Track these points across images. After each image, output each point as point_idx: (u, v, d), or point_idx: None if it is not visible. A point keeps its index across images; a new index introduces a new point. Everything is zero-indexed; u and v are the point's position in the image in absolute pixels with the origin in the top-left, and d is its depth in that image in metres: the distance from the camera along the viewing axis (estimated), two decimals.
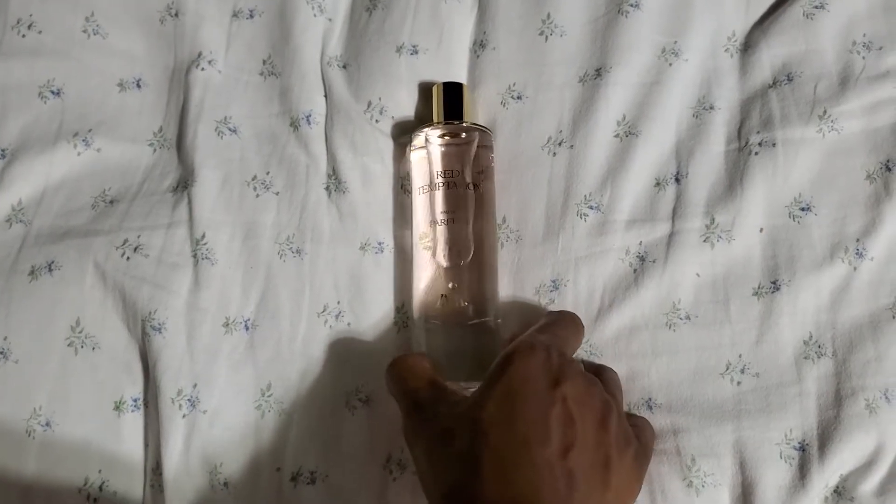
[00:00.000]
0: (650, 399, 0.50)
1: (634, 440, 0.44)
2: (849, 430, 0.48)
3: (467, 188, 0.53)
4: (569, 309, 0.52)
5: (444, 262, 0.52)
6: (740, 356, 0.50)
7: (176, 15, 0.61)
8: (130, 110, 0.59)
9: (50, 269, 0.52)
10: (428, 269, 0.52)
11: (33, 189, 0.56)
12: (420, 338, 0.52)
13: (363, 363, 0.53)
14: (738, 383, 0.50)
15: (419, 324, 0.52)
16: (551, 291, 0.53)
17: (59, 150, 0.56)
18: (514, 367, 0.42)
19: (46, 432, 0.50)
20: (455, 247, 0.52)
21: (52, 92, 0.58)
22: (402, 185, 0.57)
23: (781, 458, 0.48)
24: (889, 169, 0.53)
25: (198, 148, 0.56)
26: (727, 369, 0.50)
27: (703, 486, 0.48)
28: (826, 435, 0.48)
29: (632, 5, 0.58)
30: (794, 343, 0.50)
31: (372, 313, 0.54)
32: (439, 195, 0.53)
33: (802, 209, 0.53)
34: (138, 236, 0.53)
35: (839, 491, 0.48)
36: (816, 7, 0.57)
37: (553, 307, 0.53)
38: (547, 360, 0.42)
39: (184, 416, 0.50)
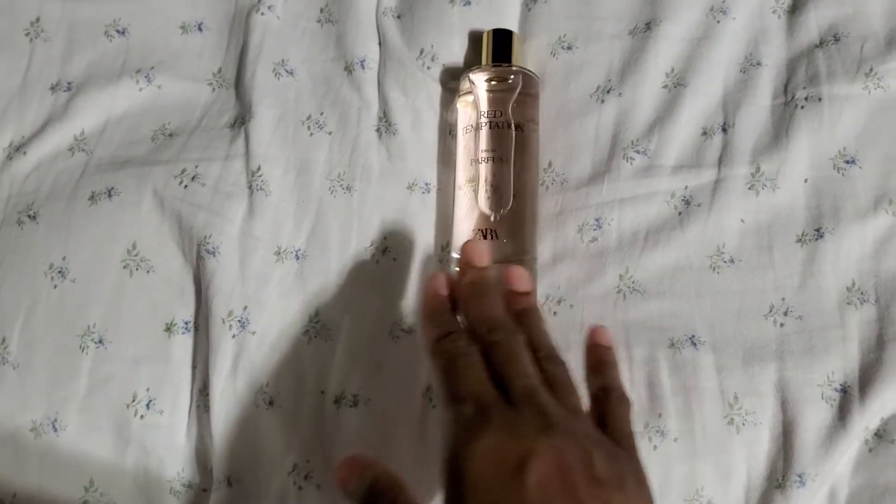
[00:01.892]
0: (694, 336, 0.51)
1: (626, 462, 0.38)
2: (891, 375, 0.48)
3: (510, 128, 0.54)
4: (612, 247, 0.53)
5: (485, 201, 0.53)
6: (783, 300, 0.51)
7: None
8: (191, 51, 0.61)
9: (109, 195, 0.54)
10: (469, 209, 0.53)
11: (96, 121, 0.58)
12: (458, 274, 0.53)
13: (407, 296, 0.54)
14: (782, 325, 0.50)
15: (457, 261, 0.53)
16: (594, 230, 0.54)
17: (122, 86, 0.58)
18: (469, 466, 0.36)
19: (98, 349, 0.51)
20: (496, 187, 0.53)
21: (118, 31, 0.60)
22: (450, 130, 0.58)
23: (823, 399, 0.48)
24: None
25: (255, 87, 0.58)
26: (770, 311, 0.51)
27: (743, 423, 0.48)
28: (867, 378, 0.48)
29: None
30: (836, 289, 0.51)
31: (417, 250, 0.55)
32: (483, 134, 0.54)
33: (847, 162, 0.53)
34: (196, 166, 0.55)
35: (879, 433, 0.48)
36: None
37: (595, 245, 0.54)
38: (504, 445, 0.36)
39: (233, 336, 0.51)
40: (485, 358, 0.40)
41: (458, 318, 0.45)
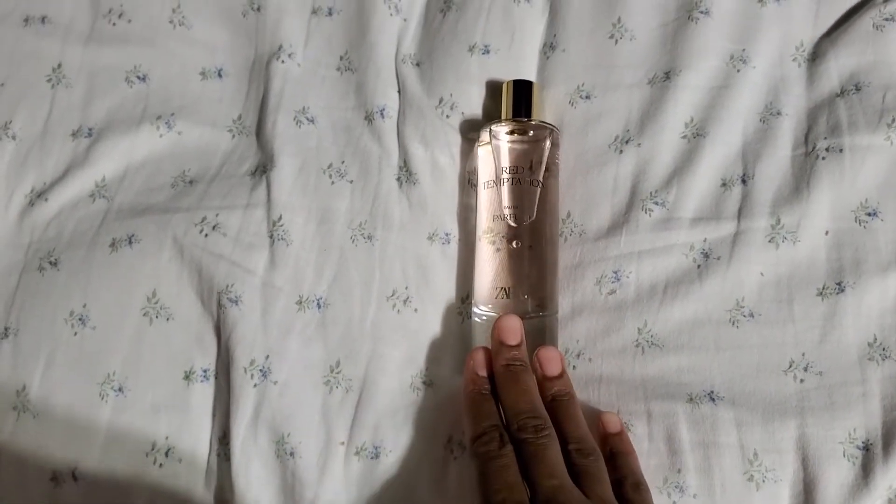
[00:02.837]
0: (713, 392, 0.50)
1: None
2: None
3: (532, 185, 0.54)
4: (630, 300, 0.53)
5: (507, 256, 0.53)
6: (803, 355, 0.51)
7: (258, 9, 0.63)
8: (211, 97, 0.61)
9: (130, 242, 0.55)
10: (489, 262, 0.54)
11: (116, 167, 0.58)
12: (479, 330, 0.53)
13: (428, 348, 0.54)
14: (802, 381, 0.50)
15: (479, 315, 0.53)
16: (613, 282, 0.54)
17: (143, 132, 0.59)
18: None
19: (118, 397, 0.52)
20: (518, 242, 0.53)
21: (138, 77, 0.61)
22: (469, 180, 0.59)
23: (845, 456, 0.48)
24: None
25: (277, 135, 0.58)
26: (790, 367, 0.50)
27: (763, 480, 0.48)
28: (890, 436, 0.48)
29: (702, 12, 0.59)
30: (857, 344, 0.50)
31: (437, 301, 0.55)
32: (504, 190, 0.54)
33: (869, 214, 0.53)
34: (217, 215, 0.55)
35: None
36: (886, 19, 0.58)
37: (613, 298, 0.54)
38: None
39: (255, 385, 0.51)
40: (515, 452, 0.44)
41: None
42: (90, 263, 0.54)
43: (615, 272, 0.54)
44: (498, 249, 0.53)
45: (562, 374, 0.50)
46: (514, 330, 0.50)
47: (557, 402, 0.49)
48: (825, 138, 0.55)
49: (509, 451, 0.45)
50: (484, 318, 0.53)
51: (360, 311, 0.54)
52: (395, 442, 0.51)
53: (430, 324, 0.55)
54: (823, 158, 0.54)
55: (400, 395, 0.53)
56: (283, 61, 0.61)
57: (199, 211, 0.56)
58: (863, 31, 0.58)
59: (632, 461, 0.48)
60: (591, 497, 0.42)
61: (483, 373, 0.50)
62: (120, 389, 0.52)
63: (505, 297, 0.52)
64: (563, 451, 0.46)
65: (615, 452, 0.48)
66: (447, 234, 0.57)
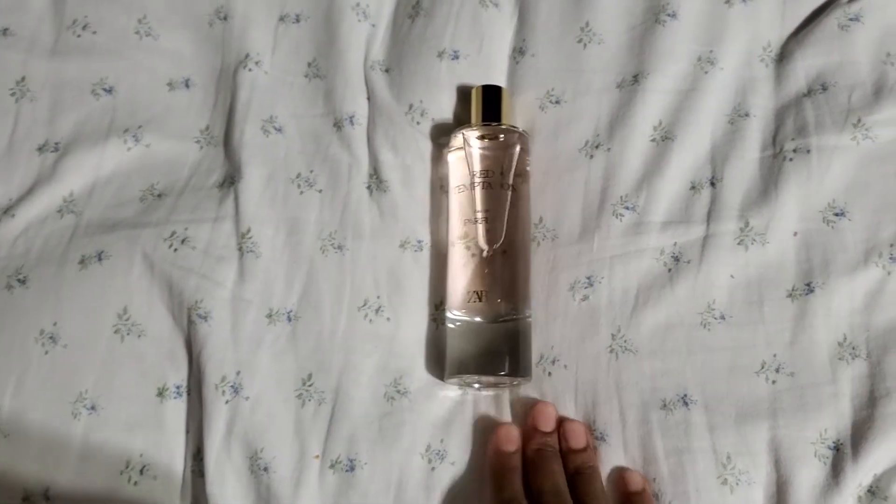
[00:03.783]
0: (686, 395, 0.51)
1: None
2: (883, 431, 0.48)
3: (503, 188, 0.54)
4: (603, 305, 0.53)
5: (482, 247, 0.53)
6: (775, 356, 0.51)
7: (224, 18, 0.63)
8: (179, 108, 0.61)
9: (99, 259, 0.54)
10: (463, 267, 0.53)
11: (84, 181, 0.58)
12: (453, 334, 0.53)
13: (402, 357, 0.54)
14: (774, 382, 0.50)
15: (453, 320, 0.53)
16: (585, 288, 0.54)
17: (110, 145, 0.58)
18: None
19: (91, 416, 0.51)
20: (490, 246, 0.53)
21: (105, 89, 0.60)
22: (441, 185, 0.58)
23: (816, 457, 0.48)
24: None
25: (244, 146, 0.58)
26: (762, 368, 0.51)
27: (737, 483, 0.49)
28: (860, 435, 0.48)
29: (669, 15, 0.59)
30: (828, 344, 0.51)
31: (411, 309, 0.55)
32: (477, 194, 0.54)
33: (836, 214, 0.53)
34: (186, 229, 0.55)
35: (873, 490, 0.48)
36: (851, 19, 0.58)
37: (587, 303, 0.54)
38: None
39: (227, 401, 0.51)
40: None
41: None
42: (60, 280, 0.54)
43: (588, 277, 0.54)
44: (473, 255, 0.53)
45: (586, 448, 0.51)
46: (549, 417, 0.52)
47: (581, 475, 0.49)
48: (793, 139, 0.56)
49: None
50: (458, 322, 0.53)
51: (331, 322, 0.54)
52: (371, 454, 0.51)
53: (404, 332, 0.55)
54: (791, 160, 0.55)
55: (374, 406, 0.52)
56: (250, 69, 0.60)
57: (168, 225, 0.55)
58: (828, 31, 0.58)
59: (594, 481, 0.49)
60: None
61: (511, 448, 0.51)
62: (93, 408, 0.51)
63: (478, 300, 0.52)
64: None
65: (577, 471, 0.49)
66: (419, 242, 0.57)
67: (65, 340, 0.52)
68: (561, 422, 0.52)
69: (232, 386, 0.51)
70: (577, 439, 0.51)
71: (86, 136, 0.59)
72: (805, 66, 0.58)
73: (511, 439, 0.51)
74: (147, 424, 0.51)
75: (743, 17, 0.60)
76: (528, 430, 0.52)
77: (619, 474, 0.50)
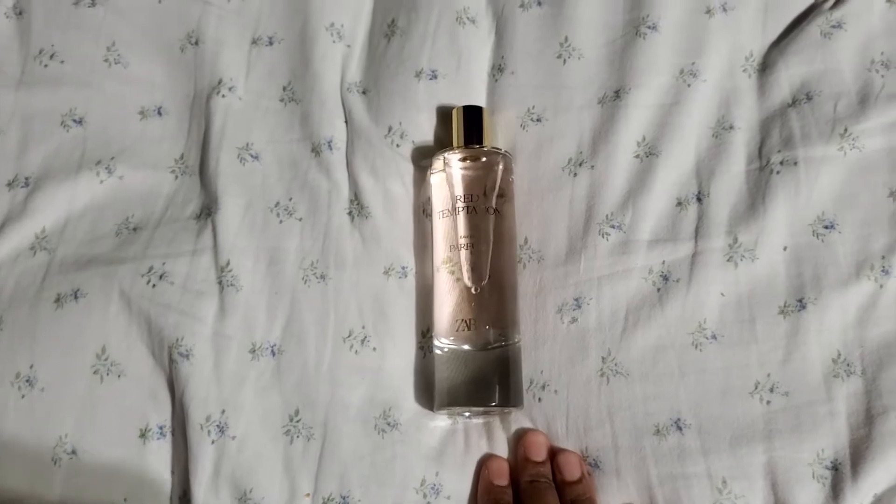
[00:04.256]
0: (679, 419, 0.50)
1: None
2: (881, 449, 0.47)
3: (487, 212, 0.53)
4: (592, 328, 0.52)
5: (466, 287, 0.52)
6: (769, 375, 0.50)
7: (196, 43, 0.61)
8: (152, 138, 0.59)
9: (75, 297, 0.53)
10: (449, 293, 0.52)
11: (56, 217, 0.56)
12: (441, 362, 0.52)
13: (390, 388, 0.53)
14: (768, 402, 0.49)
15: (441, 348, 0.52)
16: (574, 310, 0.53)
17: (82, 179, 0.57)
18: None
19: (72, 460, 0.50)
20: (476, 271, 0.52)
21: (75, 120, 0.59)
22: (424, 209, 0.57)
23: (814, 478, 0.48)
24: None
25: (220, 175, 0.56)
26: (756, 388, 0.50)
27: None
28: (858, 454, 0.48)
29: (649, 27, 0.58)
30: (822, 361, 0.50)
31: (397, 338, 0.54)
32: (460, 219, 0.53)
33: (826, 227, 0.53)
34: (163, 263, 0.53)
35: None
36: (833, 26, 0.57)
37: (576, 326, 0.53)
38: None
39: (213, 441, 0.50)
40: None
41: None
42: (35, 321, 0.52)
43: (576, 299, 0.53)
44: (458, 279, 0.52)
45: (581, 479, 0.50)
46: (540, 446, 0.51)
47: None
48: (779, 151, 0.55)
49: None
50: (446, 349, 0.52)
51: (316, 354, 0.53)
52: (364, 490, 0.50)
53: (391, 362, 0.54)
54: (778, 172, 0.54)
55: (364, 440, 0.51)
56: (223, 95, 0.59)
57: (144, 260, 0.54)
58: (811, 39, 0.57)
59: None
60: None
61: (502, 483, 0.50)
62: (73, 452, 0.50)
63: (466, 329, 0.51)
64: None
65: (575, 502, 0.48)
66: (404, 268, 0.56)
67: (42, 383, 0.51)
68: (554, 453, 0.51)
69: (217, 425, 0.50)
70: (572, 471, 0.50)
71: (57, 169, 0.57)
72: (789, 75, 0.57)
73: (501, 473, 0.50)
74: (130, 467, 0.50)
75: (724, 27, 0.59)
76: (521, 461, 0.51)
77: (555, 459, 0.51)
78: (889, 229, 0.52)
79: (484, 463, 0.51)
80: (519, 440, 0.51)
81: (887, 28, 0.57)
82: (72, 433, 0.50)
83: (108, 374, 0.51)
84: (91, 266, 0.54)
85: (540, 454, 0.50)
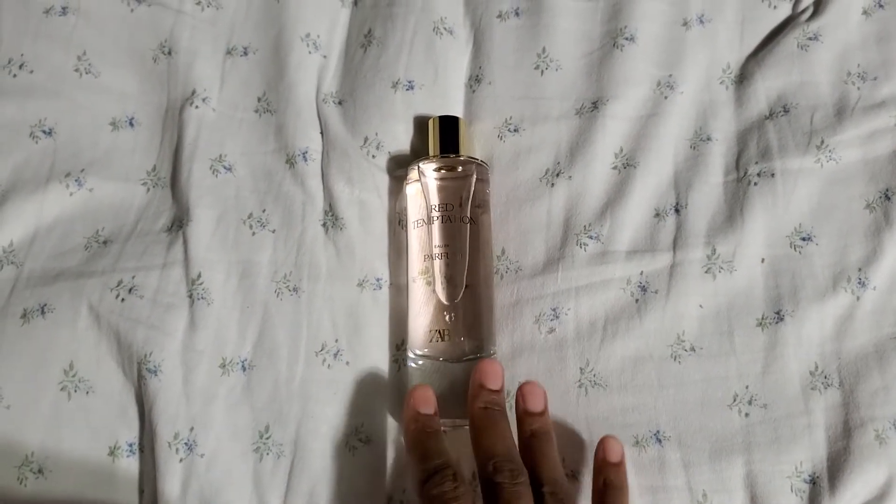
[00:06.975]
0: (658, 431, 0.49)
1: None
2: (859, 462, 0.47)
3: (463, 221, 0.52)
4: (570, 338, 0.52)
5: (441, 297, 0.51)
6: (747, 387, 0.50)
7: (169, 53, 0.60)
8: (123, 149, 0.58)
9: (42, 312, 0.51)
10: (424, 304, 0.52)
11: (25, 230, 0.55)
12: (416, 375, 0.51)
13: (363, 403, 0.52)
14: (747, 415, 0.49)
15: (415, 360, 0.51)
16: (551, 320, 0.53)
17: (52, 191, 0.55)
18: None
19: (39, 480, 0.48)
20: (451, 281, 0.51)
21: (44, 132, 0.57)
22: (399, 220, 0.57)
23: (792, 491, 0.47)
24: (888, 198, 0.53)
25: (192, 187, 0.55)
26: (735, 401, 0.50)
27: None
28: (836, 467, 0.47)
29: (627, 38, 0.58)
30: (800, 373, 0.50)
31: (371, 351, 0.53)
32: (435, 229, 0.52)
33: (803, 239, 0.52)
34: (133, 277, 0.52)
35: None
36: (810, 39, 0.57)
37: (553, 336, 0.52)
38: None
39: (181, 460, 0.49)
40: (484, 494, 0.43)
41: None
42: (1, 337, 0.51)
43: (553, 309, 0.53)
44: (433, 290, 0.51)
45: (543, 412, 0.48)
46: (496, 374, 0.48)
47: (536, 438, 0.47)
48: (756, 163, 0.55)
49: (466, 491, 0.43)
50: (420, 362, 0.51)
51: (288, 369, 0.52)
52: None
53: (364, 376, 0.53)
54: (756, 184, 0.54)
55: (335, 457, 0.50)
56: (196, 106, 0.58)
57: (114, 274, 0.53)
58: (788, 52, 0.58)
59: (622, 499, 0.46)
60: None
61: (428, 410, 0.48)
62: (40, 471, 0.49)
63: (440, 339, 0.51)
64: (537, 492, 0.44)
65: (608, 484, 0.46)
66: (378, 280, 0.55)
67: (7, 401, 0.50)
68: (520, 386, 0.49)
69: (185, 443, 0.49)
70: (536, 402, 0.48)
71: (25, 181, 0.56)
72: (766, 87, 0.57)
73: (428, 401, 0.48)
74: (99, 486, 0.49)
75: (701, 39, 0.59)
76: (474, 388, 0.48)
77: (601, 440, 0.48)
78: (866, 241, 0.52)
79: (408, 393, 0.49)
80: (474, 369, 0.49)
81: (864, 40, 0.58)
82: (38, 452, 0.49)
83: (76, 391, 0.50)
84: (59, 280, 0.53)
85: (496, 382, 0.48)
